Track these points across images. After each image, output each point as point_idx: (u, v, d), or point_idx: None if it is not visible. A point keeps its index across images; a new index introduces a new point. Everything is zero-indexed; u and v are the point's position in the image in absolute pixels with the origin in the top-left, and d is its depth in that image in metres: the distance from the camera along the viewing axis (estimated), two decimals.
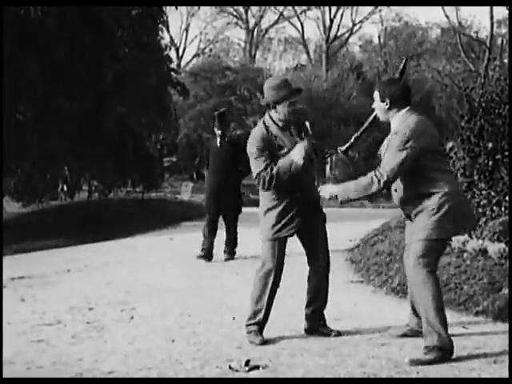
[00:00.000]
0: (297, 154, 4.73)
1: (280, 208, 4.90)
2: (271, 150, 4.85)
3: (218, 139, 8.79)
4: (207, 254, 8.66)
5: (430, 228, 4.38)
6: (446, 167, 4.60)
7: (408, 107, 4.54)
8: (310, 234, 5.01)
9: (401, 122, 4.48)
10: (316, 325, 5.07)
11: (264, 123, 4.94)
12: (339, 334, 5.01)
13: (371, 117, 4.77)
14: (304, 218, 4.92)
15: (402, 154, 4.35)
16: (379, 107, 4.63)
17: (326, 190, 4.66)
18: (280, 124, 4.91)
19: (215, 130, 8.86)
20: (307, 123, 4.89)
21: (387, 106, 4.55)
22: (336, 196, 4.59)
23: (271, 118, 4.93)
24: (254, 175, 4.86)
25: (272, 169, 4.78)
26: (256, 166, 4.85)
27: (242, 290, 6.77)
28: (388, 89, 4.57)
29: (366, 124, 4.77)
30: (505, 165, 7.45)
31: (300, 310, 5.14)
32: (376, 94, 4.63)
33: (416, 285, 4.46)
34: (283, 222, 4.89)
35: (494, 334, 4.97)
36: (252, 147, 4.88)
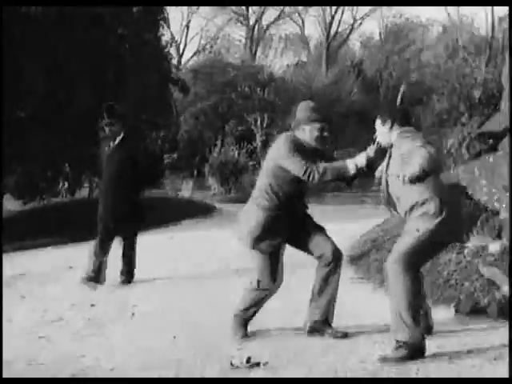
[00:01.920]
0: (356, 163, 4.62)
1: (279, 214, 4.87)
2: (302, 152, 4.80)
3: (109, 140, 7.19)
4: (97, 277, 7.17)
5: (429, 229, 4.35)
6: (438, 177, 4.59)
7: (409, 126, 4.58)
8: (304, 237, 4.97)
9: (405, 134, 4.50)
10: (318, 324, 4.92)
11: (292, 134, 4.92)
12: (345, 335, 4.88)
13: (375, 145, 4.70)
14: (297, 226, 4.94)
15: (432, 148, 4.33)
16: (381, 132, 4.64)
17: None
18: (304, 144, 4.87)
19: (104, 127, 7.19)
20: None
21: (389, 126, 4.57)
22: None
23: (295, 135, 4.91)
24: (301, 171, 4.73)
25: (318, 166, 4.70)
26: (298, 161, 4.75)
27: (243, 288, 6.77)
28: (389, 111, 4.68)
29: (371, 154, 4.68)
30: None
31: (300, 307, 5.14)
32: (377, 122, 4.65)
33: (392, 278, 4.39)
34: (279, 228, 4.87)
35: (495, 330, 4.97)
36: (285, 147, 4.81)
